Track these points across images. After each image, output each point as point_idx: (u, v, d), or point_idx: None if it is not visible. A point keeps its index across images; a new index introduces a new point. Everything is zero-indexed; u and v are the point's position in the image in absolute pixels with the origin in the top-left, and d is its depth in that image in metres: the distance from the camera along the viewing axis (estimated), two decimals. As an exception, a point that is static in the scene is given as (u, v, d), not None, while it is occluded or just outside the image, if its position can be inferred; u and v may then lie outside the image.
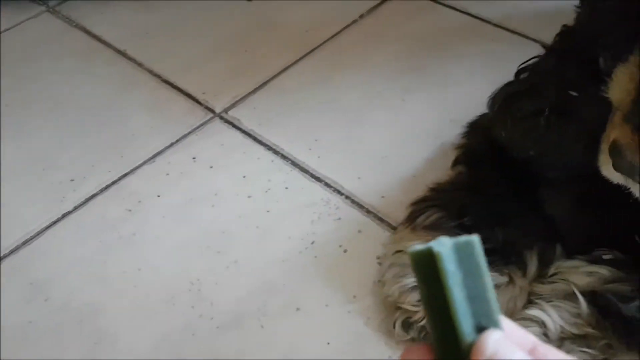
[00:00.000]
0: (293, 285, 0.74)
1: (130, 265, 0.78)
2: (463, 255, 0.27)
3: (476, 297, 0.27)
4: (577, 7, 0.62)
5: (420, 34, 1.10)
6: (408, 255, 0.28)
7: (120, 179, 0.88)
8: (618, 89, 0.52)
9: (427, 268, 0.27)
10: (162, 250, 0.79)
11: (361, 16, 1.15)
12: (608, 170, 0.52)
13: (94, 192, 0.87)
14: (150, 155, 0.91)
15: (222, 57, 1.08)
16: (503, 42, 1.05)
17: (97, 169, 0.90)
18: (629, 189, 0.52)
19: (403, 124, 0.93)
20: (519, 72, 0.71)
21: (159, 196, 0.85)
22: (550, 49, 0.64)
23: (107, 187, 0.87)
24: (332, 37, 1.11)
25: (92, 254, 0.79)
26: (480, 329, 0.27)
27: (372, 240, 0.79)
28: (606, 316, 0.60)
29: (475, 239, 0.27)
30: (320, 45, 1.09)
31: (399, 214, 0.78)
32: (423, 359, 0.28)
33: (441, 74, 1.01)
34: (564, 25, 0.67)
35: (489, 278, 0.27)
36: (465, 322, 0.27)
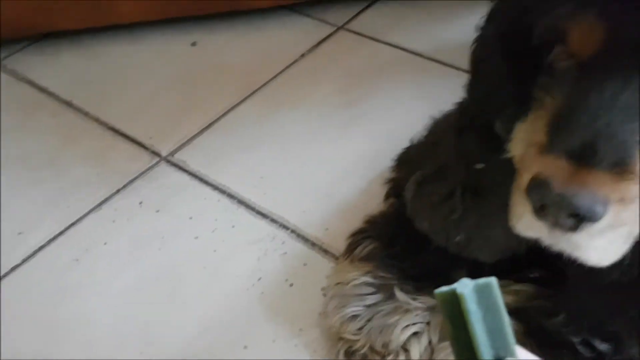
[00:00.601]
0: (240, 323, 0.76)
1: (80, 314, 0.79)
2: (482, 295, 0.31)
3: (495, 331, 0.31)
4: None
5: (357, 69, 1.15)
6: (436, 296, 0.32)
7: (67, 229, 0.89)
8: (520, 144, 0.48)
9: (452, 306, 0.32)
10: (110, 297, 0.80)
11: (302, 55, 1.19)
12: (525, 223, 0.45)
13: (42, 243, 0.88)
14: (97, 203, 0.92)
15: (168, 101, 1.10)
16: (434, 73, 1.11)
17: (45, 221, 0.91)
18: (550, 244, 0.45)
19: (344, 157, 0.97)
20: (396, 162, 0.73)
21: (105, 244, 0.87)
22: (449, 128, 0.60)
23: (55, 237, 0.88)
24: (275, 76, 1.15)
25: (42, 305, 0.80)
26: (499, 359, 0.31)
27: (318, 273, 0.81)
28: (530, 332, 0.64)
29: (493, 280, 0.31)
30: (264, 85, 1.13)
31: (342, 244, 0.81)
32: None
33: (378, 106, 1.06)
34: (458, 102, 0.69)
35: (505, 314, 0.31)
36: (486, 353, 0.31)
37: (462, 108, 0.57)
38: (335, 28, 1.25)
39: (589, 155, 0.40)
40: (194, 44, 1.23)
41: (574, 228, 0.41)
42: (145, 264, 0.83)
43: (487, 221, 0.56)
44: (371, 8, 1.30)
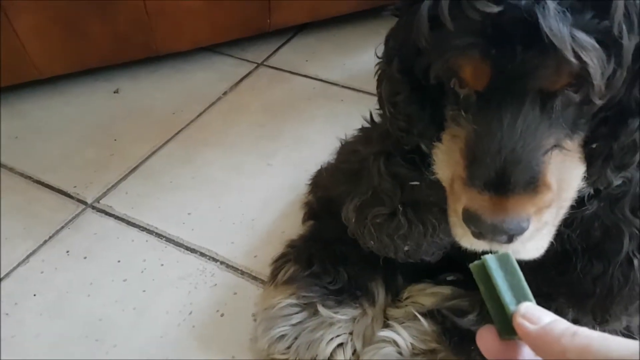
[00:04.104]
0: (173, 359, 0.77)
1: (11, 369, 0.78)
2: (502, 261, 0.42)
3: (514, 286, 0.41)
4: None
5: (278, 102, 1.19)
6: (470, 268, 0.43)
7: (-5, 284, 0.89)
8: (442, 165, 0.53)
9: (482, 273, 0.42)
10: (42, 347, 0.79)
11: (224, 93, 1.23)
12: (469, 241, 0.52)
13: (-31, 302, 0.86)
14: (24, 257, 0.92)
15: (92, 149, 1.11)
16: (349, 100, 1.17)
17: (-30, 279, 0.89)
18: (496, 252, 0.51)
19: (268, 187, 1.01)
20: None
21: (34, 295, 0.86)
22: (375, 153, 0.63)
23: (-17, 294, 0.87)
24: (198, 116, 1.18)
25: (-30, 365, 0.79)
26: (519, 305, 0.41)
27: (248, 300, 0.83)
28: (445, 330, 0.67)
29: (509, 252, 0.43)
30: (187, 125, 1.16)
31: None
32: (492, 333, 0.42)
33: (297, 135, 1.10)
34: (363, 128, 0.73)
35: (521, 275, 0.42)
36: (509, 301, 0.41)
37: (383, 134, 0.61)
38: (255, 65, 1.30)
39: (504, 183, 0.47)
40: (116, 91, 1.25)
41: (509, 241, 0.49)
42: (75, 312, 0.83)
43: (432, 229, 0.63)
44: (288, 44, 1.36)
